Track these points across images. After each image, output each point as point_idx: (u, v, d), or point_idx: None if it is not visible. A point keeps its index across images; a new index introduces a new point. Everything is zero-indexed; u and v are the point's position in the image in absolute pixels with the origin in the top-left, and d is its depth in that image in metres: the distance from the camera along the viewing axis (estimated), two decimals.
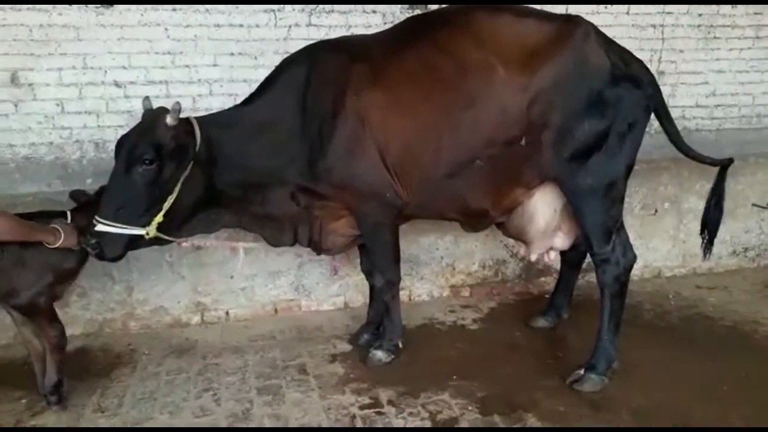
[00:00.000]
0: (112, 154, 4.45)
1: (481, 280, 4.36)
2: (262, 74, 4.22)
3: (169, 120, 2.81)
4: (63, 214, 2.92)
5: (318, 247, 3.35)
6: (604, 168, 2.97)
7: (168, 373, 3.34)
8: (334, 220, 3.24)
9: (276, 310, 4.03)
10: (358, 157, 3.00)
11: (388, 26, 4.14)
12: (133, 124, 4.18)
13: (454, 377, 3.18)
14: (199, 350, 3.60)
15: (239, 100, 4.30)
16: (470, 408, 2.92)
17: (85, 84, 4.02)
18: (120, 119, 4.23)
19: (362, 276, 3.94)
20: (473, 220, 3.35)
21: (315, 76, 3.05)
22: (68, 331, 3.50)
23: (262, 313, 3.99)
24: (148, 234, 2.84)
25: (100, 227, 2.76)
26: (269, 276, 3.94)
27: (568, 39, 2.92)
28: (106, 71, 4.03)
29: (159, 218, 2.84)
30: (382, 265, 3.27)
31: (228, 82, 4.24)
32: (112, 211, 2.78)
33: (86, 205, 2.97)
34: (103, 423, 2.87)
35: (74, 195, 3.04)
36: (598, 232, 3.05)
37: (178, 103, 2.84)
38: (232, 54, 4.18)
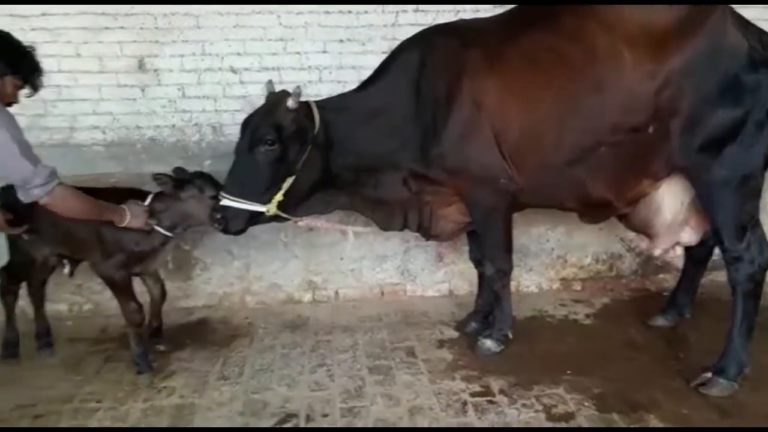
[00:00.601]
0: (229, 137, 4.72)
1: (594, 274, 4.21)
2: (370, 60, 4.29)
3: (291, 103, 2.91)
4: (145, 196, 3.09)
5: (427, 233, 3.36)
6: (740, 159, 2.77)
7: (283, 346, 3.48)
8: (445, 206, 3.23)
9: (382, 293, 4.09)
10: (472, 142, 2.97)
11: (499, 11, 4.06)
12: (247, 108, 4.40)
13: (568, 372, 3.10)
14: (311, 327, 3.73)
15: (347, 87, 4.36)
16: (587, 404, 2.83)
17: (203, 70, 4.21)
18: (235, 104, 4.40)
19: (468, 264, 3.92)
20: (593, 211, 3.23)
21: (429, 61, 3.04)
22: (191, 303, 3.79)
23: (369, 295, 4.07)
24: (268, 211, 2.98)
25: (224, 201, 2.93)
26: (376, 259, 4.00)
27: (701, 22, 2.74)
28: (222, 58, 4.19)
29: (279, 197, 2.96)
30: (493, 253, 3.23)
31: (337, 69, 4.29)
32: (236, 187, 2.94)
33: (174, 187, 3.09)
34: (226, 390, 3.04)
35: (158, 177, 3.09)
36: (731, 228, 2.85)
37: (299, 87, 2.94)
38: (341, 40, 4.24)
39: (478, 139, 2.96)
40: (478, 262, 3.51)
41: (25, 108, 4.49)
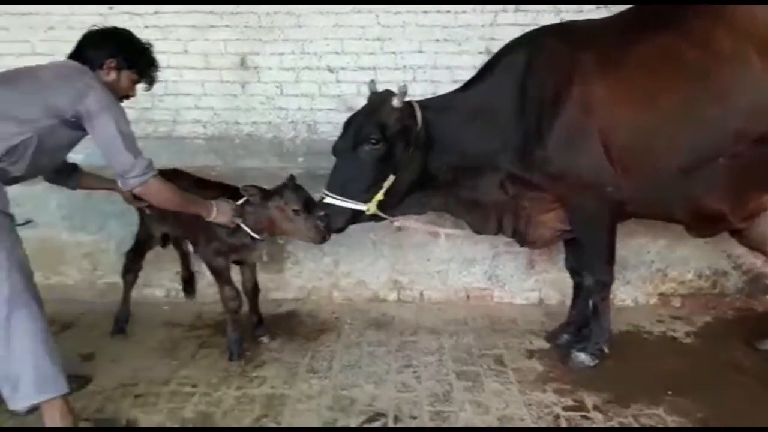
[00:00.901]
0: (322, 136, 4.79)
1: (696, 291, 3.97)
2: (466, 60, 4.25)
3: (396, 102, 2.90)
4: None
5: (523, 239, 3.27)
6: None
7: (369, 344, 3.49)
8: (544, 213, 3.13)
9: (468, 297, 4.03)
10: (579, 147, 2.86)
11: (603, 10, 3.90)
12: (342, 108, 4.46)
13: (669, 392, 2.93)
14: (396, 326, 3.72)
15: (441, 87, 4.35)
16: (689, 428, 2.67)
17: (301, 68, 4.30)
18: (331, 103, 4.46)
19: (560, 272, 3.81)
20: (705, 225, 3.04)
21: (537, 62, 2.96)
22: (281, 295, 3.87)
23: (454, 298, 4.02)
24: (368, 210, 2.98)
25: (327, 199, 2.95)
26: (464, 263, 3.94)
27: None
28: (320, 56, 4.27)
29: (379, 196, 2.96)
30: (593, 264, 3.10)
31: (431, 69, 4.28)
32: (338, 185, 2.97)
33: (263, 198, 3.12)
34: (315, 383, 3.07)
35: (246, 189, 3.10)
36: None
37: (405, 86, 2.92)
38: (437, 40, 4.22)
39: (585, 145, 2.84)
40: (574, 272, 3.39)
41: (134, 101, 4.78)
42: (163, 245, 3.62)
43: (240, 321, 3.33)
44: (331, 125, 4.65)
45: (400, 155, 2.96)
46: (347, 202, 2.95)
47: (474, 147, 3.06)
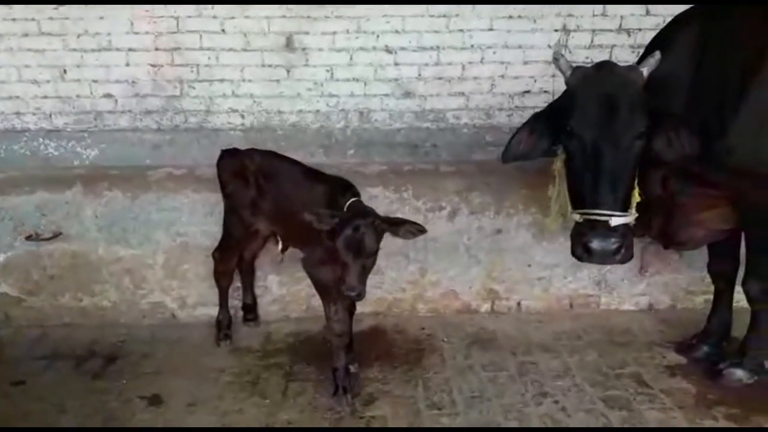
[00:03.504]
0: (375, 125, 4.27)
1: None
2: (539, 40, 3.80)
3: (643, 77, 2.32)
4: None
5: (671, 240, 2.85)
6: None
7: (484, 368, 3.00)
8: (705, 210, 2.69)
9: (571, 305, 3.57)
10: None
11: None
12: (399, 93, 3.94)
13: None
14: (502, 343, 3.24)
15: (510, 68, 3.91)
16: None
17: (356, 49, 3.82)
18: (386, 87, 3.99)
19: (672, 276, 3.51)
20: None
21: (716, 38, 2.48)
22: (358, 308, 3.32)
23: (556, 307, 3.55)
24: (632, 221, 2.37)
25: (615, 220, 2.27)
26: (570, 267, 3.47)
27: None
28: (378, 36, 3.80)
29: (636, 196, 2.37)
30: (763, 270, 2.67)
31: (501, 48, 3.85)
32: (621, 195, 2.30)
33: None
34: (444, 421, 2.58)
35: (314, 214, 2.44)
36: None
37: (657, 53, 2.33)
38: (510, 17, 3.78)
39: None
40: (718, 276, 2.96)
41: (161, 88, 4.15)
42: (283, 249, 3.05)
43: (346, 349, 2.78)
44: (386, 113, 4.15)
45: None
46: (628, 215, 2.32)
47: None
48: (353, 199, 2.55)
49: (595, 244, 2.29)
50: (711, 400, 2.71)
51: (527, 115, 4.40)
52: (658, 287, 3.56)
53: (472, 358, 3.09)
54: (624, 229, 2.29)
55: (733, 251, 2.89)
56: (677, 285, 3.52)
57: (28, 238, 3.17)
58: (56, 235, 3.16)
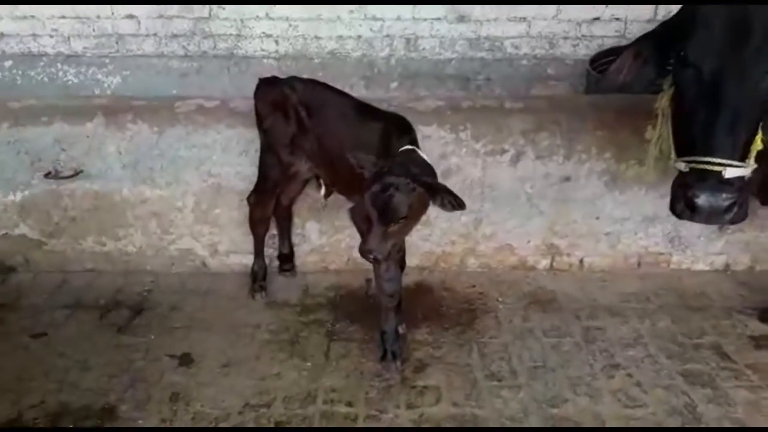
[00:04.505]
0: (423, 54, 3.83)
1: None
2: None
3: None
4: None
5: None
6: None
7: (546, 333, 2.71)
8: None
9: (639, 264, 3.22)
10: None
11: None
12: (451, 17, 3.49)
13: None
14: (563, 305, 2.93)
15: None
16: None
17: None
18: (439, 10, 3.53)
19: (755, 233, 3.11)
20: None
21: None
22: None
23: (622, 266, 3.20)
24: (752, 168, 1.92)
25: (730, 171, 1.83)
26: (642, 222, 3.10)
27: None
28: None
29: (758, 144, 1.93)
30: None
31: None
32: (739, 143, 1.86)
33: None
34: (508, 397, 2.31)
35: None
36: None
37: None
38: None
39: None
40: None
41: (188, 9, 3.74)
42: (326, 195, 2.76)
43: (396, 310, 2.49)
44: (435, 40, 3.71)
45: None
46: (746, 166, 1.87)
47: None
48: (408, 147, 2.19)
49: (703, 200, 1.85)
50: None
51: (595, 46, 3.99)
52: (737, 246, 3.17)
53: (531, 321, 2.80)
54: (740, 183, 1.86)
55: None
56: (759, 244, 3.14)
57: (47, 175, 2.89)
58: (77, 173, 2.87)
